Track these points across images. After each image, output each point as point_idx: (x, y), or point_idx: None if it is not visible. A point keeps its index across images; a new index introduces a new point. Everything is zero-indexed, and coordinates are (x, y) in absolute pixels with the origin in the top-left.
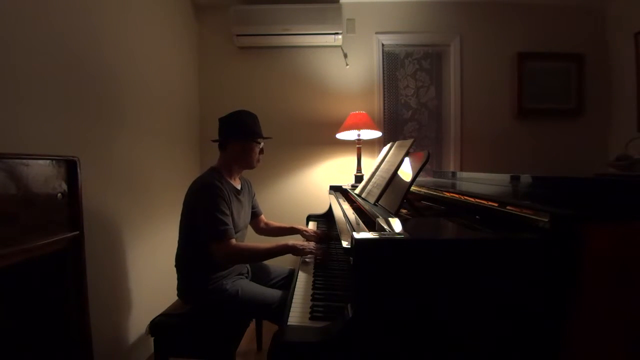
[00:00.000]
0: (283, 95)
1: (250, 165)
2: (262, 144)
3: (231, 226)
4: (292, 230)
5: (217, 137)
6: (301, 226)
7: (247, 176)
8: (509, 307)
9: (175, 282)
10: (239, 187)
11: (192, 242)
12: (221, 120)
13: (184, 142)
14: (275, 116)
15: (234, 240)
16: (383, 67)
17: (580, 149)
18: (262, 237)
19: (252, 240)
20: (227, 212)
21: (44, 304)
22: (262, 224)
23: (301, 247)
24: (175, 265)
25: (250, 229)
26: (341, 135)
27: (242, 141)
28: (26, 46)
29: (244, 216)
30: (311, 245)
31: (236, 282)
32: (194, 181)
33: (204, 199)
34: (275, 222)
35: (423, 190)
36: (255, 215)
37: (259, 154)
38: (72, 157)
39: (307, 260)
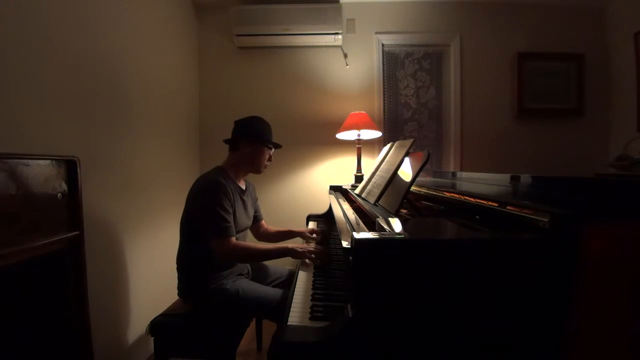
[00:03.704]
0: (283, 95)
1: (257, 169)
2: (272, 150)
3: (232, 224)
4: (290, 234)
5: (226, 138)
6: (298, 228)
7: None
8: (509, 307)
9: (176, 281)
10: (243, 187)
11: (194, 240)
12: (237, 122)
13: (184, 142)
14: (276, 116)
15: (234, 239)
16: (383, 67)
17: (580, 149)
18: (263, 243)
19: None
20: (230, 210)
21: (44, 304)
22: (261, 230)
23: (301, 250)
24: (177, 265)
25: (250, 235)
26: (341, 135)
27: (255, 143)
28: (26, 46)
29: (245, 218)
30: (311, 247)
31: (236, 282)
32: (198, 178)
33: (208, 195)
34: (273, 227)
35: (423, 190)
36: (256, 220)
37: (268, 160)
38: (72, 157)
39: (307, 260)
